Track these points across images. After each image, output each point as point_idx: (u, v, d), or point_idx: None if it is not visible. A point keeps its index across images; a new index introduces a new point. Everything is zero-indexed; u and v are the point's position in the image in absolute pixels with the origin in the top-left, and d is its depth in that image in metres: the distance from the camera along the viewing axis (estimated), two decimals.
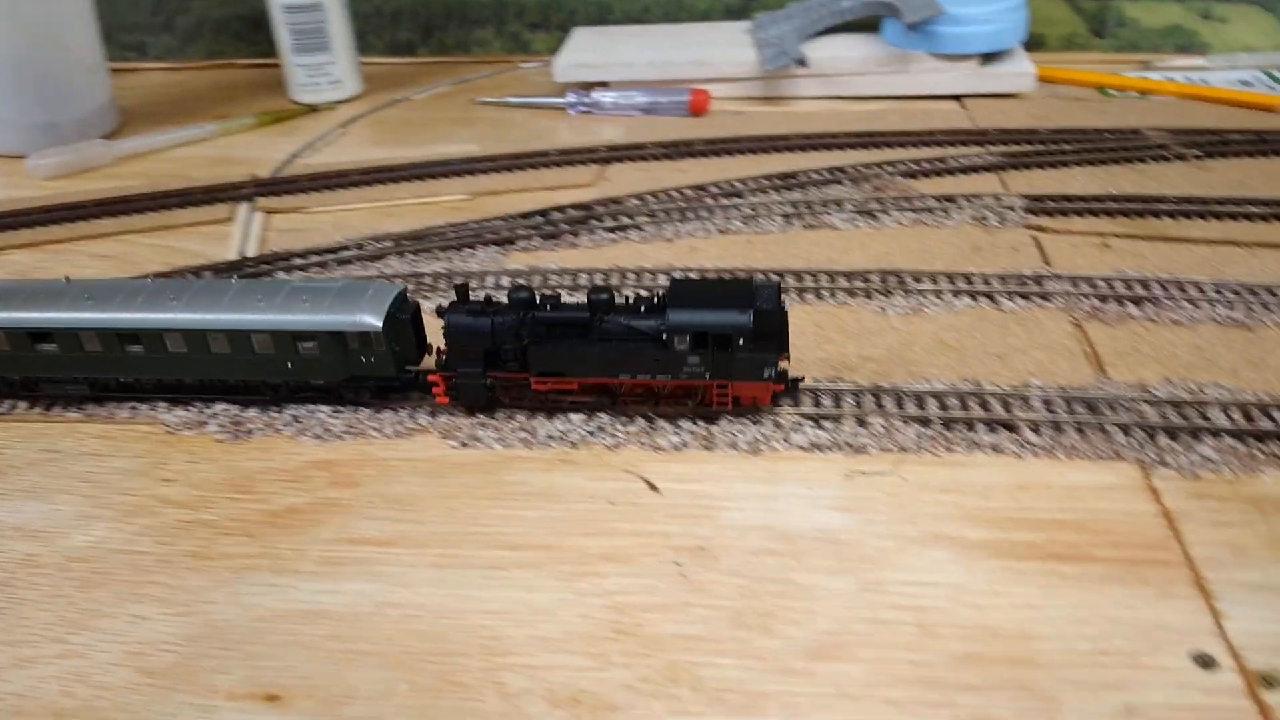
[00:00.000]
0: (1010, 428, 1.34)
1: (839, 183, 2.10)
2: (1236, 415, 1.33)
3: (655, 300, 1.36)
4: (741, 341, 1.30)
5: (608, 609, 1.11)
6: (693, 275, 1.77)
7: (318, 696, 1.03)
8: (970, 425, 1.35)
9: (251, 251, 1.96)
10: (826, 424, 1.36)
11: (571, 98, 2.61)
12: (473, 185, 2.22)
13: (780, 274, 1.74)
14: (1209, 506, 1.21)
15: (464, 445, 1.39)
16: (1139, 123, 2.33)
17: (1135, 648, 1.03)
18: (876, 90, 2.57)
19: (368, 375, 1.43)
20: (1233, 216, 1.88)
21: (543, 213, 2.04)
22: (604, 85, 2.65)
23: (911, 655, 1.04)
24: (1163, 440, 1.30)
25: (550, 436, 1.38)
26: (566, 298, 1.41)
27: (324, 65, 2.74)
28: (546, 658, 1.06)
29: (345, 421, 1.44)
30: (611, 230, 1.95)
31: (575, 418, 1.40)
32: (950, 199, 1.98)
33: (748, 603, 1.11)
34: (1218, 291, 1.62)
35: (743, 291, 1.33)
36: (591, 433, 1.38)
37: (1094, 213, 1.91)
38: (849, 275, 1.73)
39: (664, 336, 1.32)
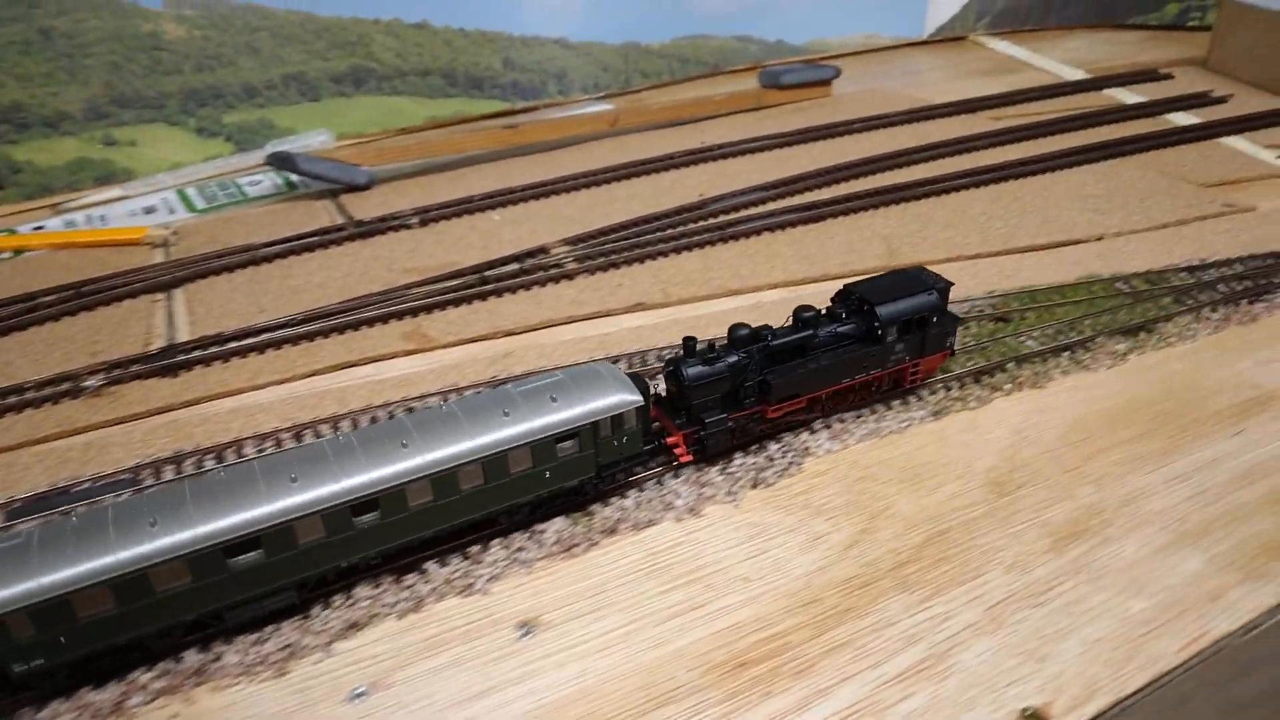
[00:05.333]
0: None
1: None
2: None
3: (852, 302, 1.49)
4: (935, 319, 1.49)
5: None
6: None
7: None
8: None
9: None
10: None
11: None
12: None
13: None
14: None
15: None
16: None
17: None
18: None
19: (619, 459, 1.36)
20: None
21: None
22: None
23: None
24: None
25: None
26: None
27: None
28: None
29: None
30: None
31: None
32: None
33: None
34: None
35: (909, 279, 1.51)
36: None
37: None
38: None
39: (879, 331, 1.46)
